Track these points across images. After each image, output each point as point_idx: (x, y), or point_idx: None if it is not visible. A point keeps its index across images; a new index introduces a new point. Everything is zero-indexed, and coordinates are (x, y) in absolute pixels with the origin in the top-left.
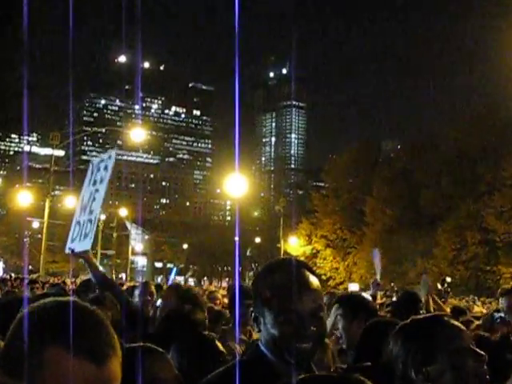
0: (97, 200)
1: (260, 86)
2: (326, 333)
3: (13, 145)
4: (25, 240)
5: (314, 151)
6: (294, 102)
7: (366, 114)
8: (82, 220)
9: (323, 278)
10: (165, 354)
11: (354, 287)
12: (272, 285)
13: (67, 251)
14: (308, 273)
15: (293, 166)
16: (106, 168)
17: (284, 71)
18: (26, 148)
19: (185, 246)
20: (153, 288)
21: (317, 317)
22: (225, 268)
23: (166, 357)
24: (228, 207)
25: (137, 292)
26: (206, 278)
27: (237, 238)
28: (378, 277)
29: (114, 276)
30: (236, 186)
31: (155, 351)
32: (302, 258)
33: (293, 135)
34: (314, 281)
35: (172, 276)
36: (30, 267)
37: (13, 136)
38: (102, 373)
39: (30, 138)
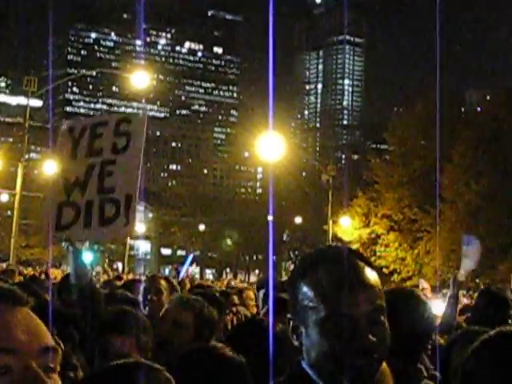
0: (117, 174)
1: (302, 16)
2: (389, 344)
3: None
4: None
5: (374, 103)
6: (347, 37)
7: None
8: (85, 200)
9: (385, 271)
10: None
11: (425, 284)
12: (315, 283)
13: (64, 244)
14: (363, 265)
15: (345, 122)
16: (126, 134)
17: None
18: None
19: (201, 228)
20: (163, 283)
21: (376, 322)
22: (254, 257)
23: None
24: (259, 176)
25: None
26: (228, 270)
27: (270, 218)
28: (462, 273)
29: (106, 266)
30: (270, 148)
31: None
32: (358, 245)
33: (346, 81)
34: (371, 275)
35: (186, 267)
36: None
37: None
38: None
39: None
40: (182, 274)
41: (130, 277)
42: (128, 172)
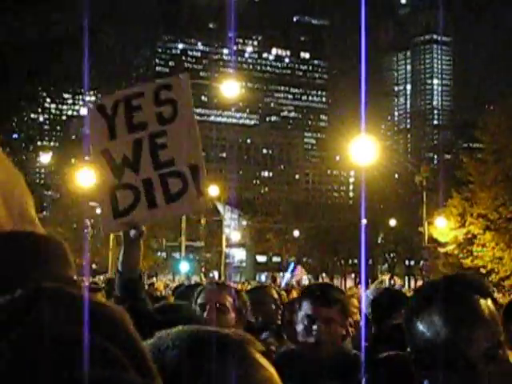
0: (173, 146)
1: (388, 17)
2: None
3: (65, 107)
4: (86, 231)
5: (465, 101)
6: (434, 36)
7: None
8: (141, 179)
9: (482, 270)
10: None
11: None
12: (429, 323)
13: (111, 230)
14: (478, 297)
15: (436, 121)
16: (170, 102)
17: None
18: (83, 111)
19: (296, 234)
20: (273, 293)
21: (495, 358)
22: (349, 261)
23: None
24: (351, 180)
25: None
26: (324, 275)
27: (364, 221)
28: None
29: (202, 276)
30: (361, 150)
31: None
32: (454, 246)
33: (435, 81)
34: (490, 309)
35: (288, 274)
36: (95, 266)
37: (65, 96)
38: None
39: (88, 98)
40: (286, 281)
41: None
42: (185, 141)
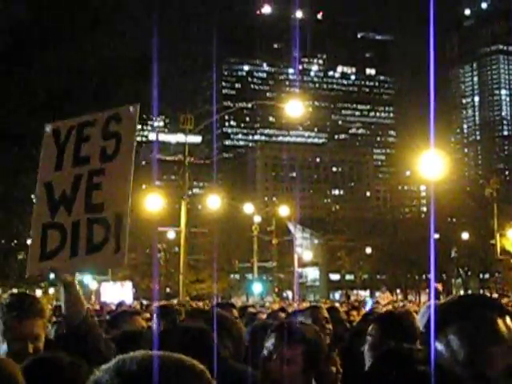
0: (106, 188)
1: (452, 29)
2: None
3: None
4: (158, 256)
5: None
6: (500, 47)
7: None
8: (71, 221)
9: None
10: None
11: None
12: (447, 342)
13: (35, 273)
14: (496, 317)
15: (505, 132)
16: (115, 136)
17: (484, 5)
18: (152, 136)
19: (368, 251)
20: (324, 313)
21: None
22: (423, 276)
23: None
24: (423, 194)
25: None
26: (399, 291)
27: (436, 235)
28: None
29: (274, 296)
30: (431, 165)
31: None
32: None
33: (503, 91)
34: (508, 327)
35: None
36: (168, 290)
37: None
38: None
39: (156, 124)
40: (370, 304)
41: (303, 305)
42: (119, 184)
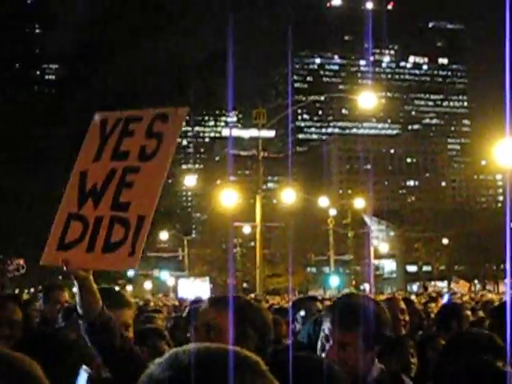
0: (137, 188)
1: None
2: None
3: (207, 129)
4: (234, 251)
5: None
6: None
7: None
8: (95, 215)
9: None
10: None
11: None
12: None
13: (50, 262)
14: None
15: None
16: (158, 136)
17: None
18: (225, 132)
19: (445, 241)
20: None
21: None
22: (501, 266)
23: None
24: (499, 183)
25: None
26: (476, 281)
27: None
28: None
29: (353, 289)
30: (507, 153)
31: None
32: None
33: None
34: None
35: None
36: (245, 285)
37: (206, 118)
38: None
39: (229, 119)
40: (447, 298)
41: (380, 298)
42: (148, 186)
